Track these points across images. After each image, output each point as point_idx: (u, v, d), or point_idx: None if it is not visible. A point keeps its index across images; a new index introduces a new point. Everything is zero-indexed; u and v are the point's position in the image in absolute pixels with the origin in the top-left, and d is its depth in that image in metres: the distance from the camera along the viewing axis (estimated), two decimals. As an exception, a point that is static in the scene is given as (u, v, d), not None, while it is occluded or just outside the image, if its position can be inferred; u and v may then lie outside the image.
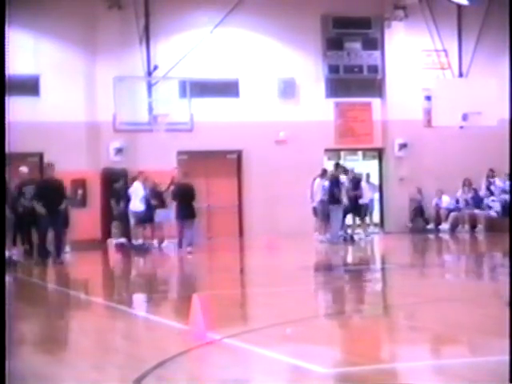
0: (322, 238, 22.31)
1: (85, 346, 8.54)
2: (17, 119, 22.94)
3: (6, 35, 6.47)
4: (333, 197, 21.85)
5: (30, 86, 23.63)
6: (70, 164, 22.29)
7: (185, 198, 19.64)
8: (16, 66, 23.46)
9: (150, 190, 21.44)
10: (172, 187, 20.61)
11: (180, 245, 19.58)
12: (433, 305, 10.40)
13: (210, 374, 6.97)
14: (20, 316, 10.70)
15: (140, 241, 21.25)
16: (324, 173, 23.29)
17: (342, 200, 21.96)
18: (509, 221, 14.30)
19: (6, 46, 6.50)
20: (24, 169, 19.88)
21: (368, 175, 24.82)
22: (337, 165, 23.15)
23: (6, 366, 5.78)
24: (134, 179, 21.87)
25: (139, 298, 12.82)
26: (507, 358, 6.85)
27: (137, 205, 21.15)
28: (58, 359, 7.81)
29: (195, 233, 20.16)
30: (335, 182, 22.06)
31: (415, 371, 6.82)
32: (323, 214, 22.63)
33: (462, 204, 25.55)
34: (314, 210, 23.12)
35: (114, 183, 22.33)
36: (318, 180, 23.09)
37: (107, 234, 22.54)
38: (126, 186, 21.90)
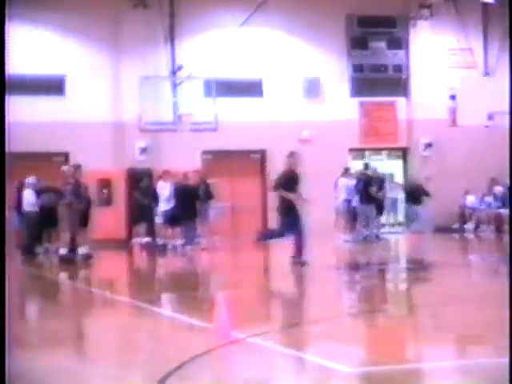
0: (347, 238, 22.30)
1: (110, 345, 8.59)
2: (43, 119, 23.16)
3: (6, 35, 6.52)
4: (365, 196, 21.84)
5: (56, 86, 23.78)
6: (96, 164, 22.41)
7: (185, 199, 20.11)
8: (42, 66, 23.66)
9: (175, 187, 21.36)
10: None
11: (183, 245, 20.10)
12: (457, 305, 10.36)
13: (234, 373, 6.99)
14: (46, 314, 10.79)
15: (163, 240, 21.17)
16: (346, 171, 23.30)
17: (374, 199, 21.99)
18: (509, 221, 14.25)
19: (6, 46, 6.54)
20: (66, 168, 19.97)
21: (392, 175, 24.72)
22: (366, 164, 23.14)
23: (7, 365, 5.81)
24: (159, 178, 21.87)
25: (163, 297, 12.86)
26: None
27: (163, 204, 21.14)
28: (83, 357, 7.86)
29: (195, 233, 20.58)
30: (367, 182, 22.04)
31: (440, 371, 6.80)
32: (348, 213, 22.64)
33: (487, 203, 25.42)
34: (337, 209, 23.13)
35: (140, 182, 22.41)
36: (342, 179, 23.08)
37: (132, 233, 22.64)
38: (152, 185, 21.94)
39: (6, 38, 6.48)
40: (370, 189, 21.94)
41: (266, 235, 17.85)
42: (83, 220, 18.23)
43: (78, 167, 18.45)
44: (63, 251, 17.88)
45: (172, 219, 20.99)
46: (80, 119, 23.57)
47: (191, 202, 20.46)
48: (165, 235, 21.36)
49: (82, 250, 17.80)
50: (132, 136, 24.15)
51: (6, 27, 6.53)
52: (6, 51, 6.52)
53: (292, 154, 15.82)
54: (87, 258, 17.70)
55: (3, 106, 6.46)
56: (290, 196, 15.37)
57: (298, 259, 15.08)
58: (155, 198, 21.32)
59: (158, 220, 21.34)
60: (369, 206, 21.92)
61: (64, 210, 18.21)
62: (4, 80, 6.56)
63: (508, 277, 8.32)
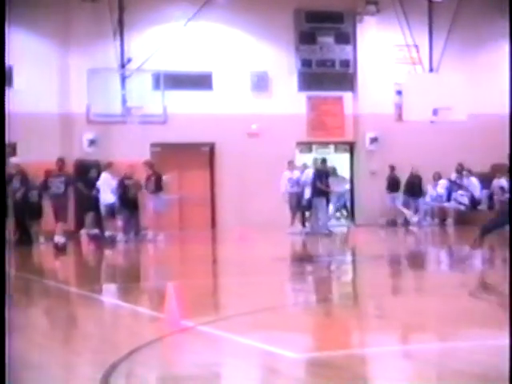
0: (292, 230, 22.62)
1: (58, 333, 8.70)
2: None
3: (6, 35, 6.62)
4: (316, 189, 22.13)
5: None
6: (43, 155, 22.33)
7: (128, 192, 20.77)
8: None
9: (119, 181, 21.36)
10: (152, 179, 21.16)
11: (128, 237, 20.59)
12: (400, 295, 10.66)
13: (184, 358, 7.17)
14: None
15: (111, 232, 21.16)
16: (290, 165, 23.67)
17: (326, 192, 22.33)
18: (509, 220, 14.61)
19: (6, 47, 6.65)
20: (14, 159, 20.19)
21: (334, 169, 25.00)
22: (323, 159, 23.44)
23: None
24: (104, 170, 21.76)
25: (112, 288, 12.98)
26: (472, 343, 7.13)
27: (107, 197, 21.17)
28: (32, 345, 7.94)
29: (139, 226, 21.19)
30: (320, 176, 22.32)
31: (383, 356, 7.05)
32: (291, 205, 23.07)
33: (432, 197, 25.88)
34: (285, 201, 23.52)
35: (87, 174, 22.37)
36: (285, 172, 23.47)
37: (80, 225, 22.60)
38: (98, 177, 21.89)
39: (6, 38, 6.55)
40: (317, 183, 22.21)
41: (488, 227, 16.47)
42: (37, 211, 18.34)
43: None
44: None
45: (114, 211, 21.07)
46: (28, 110, 23.46)
47: (131, 194, 20.78)
48: (113, 227, 21.37)
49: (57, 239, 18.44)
50: (80, 128, 24.13)
51: (5, 27, 6.60)
52: (6, 52, 6.60)
53: None
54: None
55: (3, 106, 6.54)
56: None
57: None
58: (98, 189, 21.29)
59: (102, 212, 21.29)
60: (319, 199, 22.22)
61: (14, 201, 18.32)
62: (4, 80, 6.64)
63: (508, 275, 8.61)
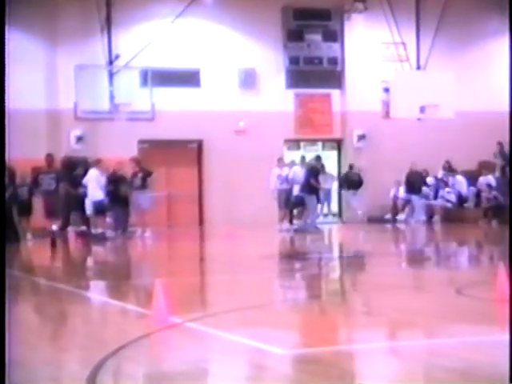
0: (282, 227, 22.66)
1: (46, 330, 8.70)
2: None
3: (6, 36, 6.62)
4: (309, 186, 22.15)
5: (-10, 74, 23.56)
6: (31, 151, 22.32)
7: (116, 188, 20.76)
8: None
9: (107, 177, 21.25)
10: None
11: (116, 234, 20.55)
12: (388, 292, 10.70)
13: (171, 355, 7.18)
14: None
15: (99, 229, 21.09)
16: (280, 162, 23.68)
17: (317, 190, 22.36)
18: (509, 220, 14.65)
19: (6, 47, 6.65)
20: None
21: (323, 166, 25.06)
22: (318, 156, 23.45)
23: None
24: (92, 166, 21.61)
25: (100, 285, 12.97)
26: (460, 340, 7.18)
27: (96, 193, 21.08)
28: (19, 342, 7.93)
29: (127, 223, 21.24)
30: (314, 172, 22.33)
31: (371, 352, 7.08)
32: (279, 203, 23.09)
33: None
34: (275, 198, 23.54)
35: (74, 171, 22.26)
36: (274, 169, 23.48)
37: (67, 222, 22.51)
38: (85, 174, 21.73)
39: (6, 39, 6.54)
40: (311, 180, 22.23)
41: None
42: (26, 209, 18.34)
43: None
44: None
45: (103, 208, 20.95)
46: (15, 107, 23.36)
47: (122, 191, 20.71)
48: (100, 224, 21.29)
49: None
50: (68, 124, 24.09)
51: (5, 29, 6.59)
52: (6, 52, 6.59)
53: None
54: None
55: (3, 106, 6.53)
56: None
57: None
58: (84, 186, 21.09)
59: (88, 209, 21.14)
60: (311, 196, 22.26)
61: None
62: (4, 81, 6.63)
63: (508, 274, 8.64)
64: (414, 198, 25.38)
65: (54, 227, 18.83)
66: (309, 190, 22.18)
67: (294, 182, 23.09)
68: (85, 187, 20.84)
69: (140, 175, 21.34)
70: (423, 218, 25.29)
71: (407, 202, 25.63)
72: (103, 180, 20.95)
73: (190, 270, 14.38)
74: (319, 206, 24.15)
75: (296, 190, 22.89)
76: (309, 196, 22.21)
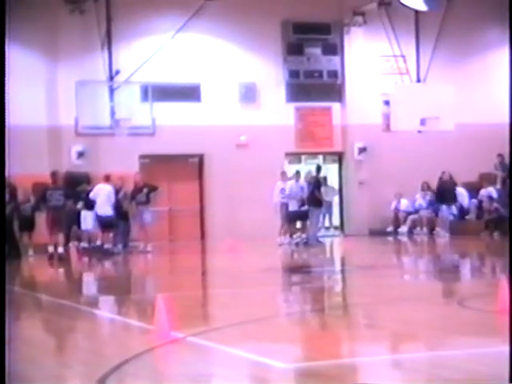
0: (283, 241, 22.62)
1: (49, 345, 8.70)
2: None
3: (6, 52, 6.64)
4: (314, 199, 22.09)
5: (-8, 90, 23.60)
6: (32, 167, 22.34)
7: (122, 203, 20.95)
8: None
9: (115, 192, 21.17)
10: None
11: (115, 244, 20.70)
12: (390, 304, 10.69)
13: (174, 370, 7.18)
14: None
15: (101, 244, 21.01)
16: (283, 176, 23.61)
17: (321, 202, 22.31)
18: (509, 222, 14.65)
19: (7, 63, 6.67)
20: None
21: (325, 179, 25.01)
22: (318, 168, 23.36)
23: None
24: (102, 182, 21.42)
25: (102, 300, 12.97)
26: (462, 352, 7.17)
27: (105, 209, 20.69)
28: (23, 357, 7.94)
29: (129, 237, 21.39)
30: (315, 185, 22.30)
31: (373, 366, 7.07)
32: (282, 216, 23.00)
33: (420, 207, 25.95)
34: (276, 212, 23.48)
35: (76, 187, 22.25)
36: (278, 183, 23.41)
37: (68, 237, 22.50)
38: (89, 190, 21.66)
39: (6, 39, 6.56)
40: (316, 192, 22.17)
41: None
42: (29, 224, 18.45)
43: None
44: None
45: (110, 224, 20.85)
46: (16, 123, 23.41)
47: (124, 206, 20.88)
48: (102, 239, 21.25)
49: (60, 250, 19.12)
50: (69, 140, 24.10)
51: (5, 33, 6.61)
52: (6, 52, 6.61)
53: None
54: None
55: (3, 109, 6.54)
56: None
57: None
58: (88, 202, 20.96)
59: (91, 224, 21.06)
60: (316, 210, 22.20)
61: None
62: (4, 96, 6.65)
63: (508, 278, 8.64)
64: (444, 208, 25.09)
65: (60, 249, 19.03)
66: (314, 203, 22.12)
67: (289, 197, 22.86)
68: (92, 201, 20.71)
69: (145, 190, 21.33)
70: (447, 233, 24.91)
71: (433, 212, 25.25)
72: (113, 196, 20.81)
73: (192, 284, 14.38)
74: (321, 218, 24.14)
75: (292, 205, 22.69)
76: (314, 209, 22.15)
